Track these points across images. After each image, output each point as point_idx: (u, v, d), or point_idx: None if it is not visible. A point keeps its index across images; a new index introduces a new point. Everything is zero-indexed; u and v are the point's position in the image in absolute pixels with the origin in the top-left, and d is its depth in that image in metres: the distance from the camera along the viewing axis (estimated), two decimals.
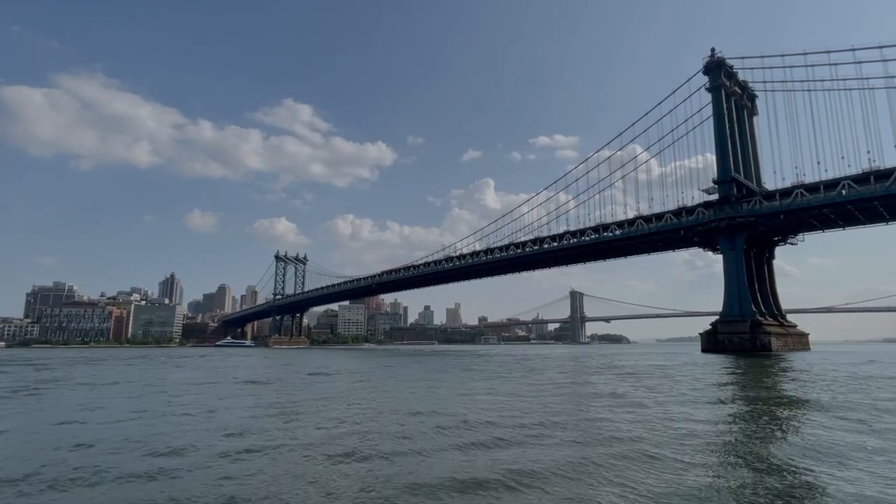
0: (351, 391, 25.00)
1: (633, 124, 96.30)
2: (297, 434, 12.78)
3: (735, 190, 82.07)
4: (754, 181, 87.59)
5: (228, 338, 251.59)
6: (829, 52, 76.49)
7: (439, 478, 8.52)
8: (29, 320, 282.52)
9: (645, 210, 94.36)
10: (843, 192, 71.05)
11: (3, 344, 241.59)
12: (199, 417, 16.04)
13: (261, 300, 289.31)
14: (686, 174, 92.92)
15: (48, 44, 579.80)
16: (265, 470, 9.29)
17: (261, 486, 8.18)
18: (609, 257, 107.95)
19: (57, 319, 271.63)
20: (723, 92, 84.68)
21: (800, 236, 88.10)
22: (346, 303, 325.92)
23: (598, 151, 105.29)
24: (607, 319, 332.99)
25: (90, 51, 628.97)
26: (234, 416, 16.31)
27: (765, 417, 15.35)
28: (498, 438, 11.82)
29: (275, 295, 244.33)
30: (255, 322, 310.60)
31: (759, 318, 77.45)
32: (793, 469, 9.08)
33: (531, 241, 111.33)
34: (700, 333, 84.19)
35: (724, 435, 12.45)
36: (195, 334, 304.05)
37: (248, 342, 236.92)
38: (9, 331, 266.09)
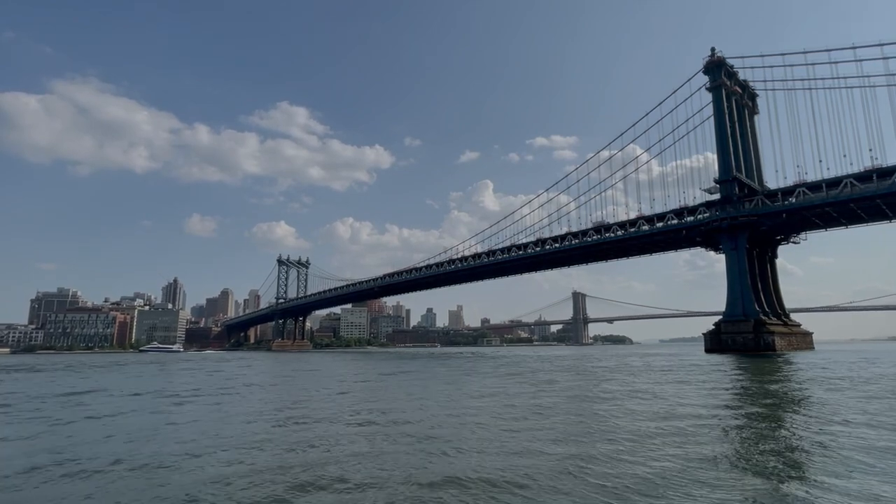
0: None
1: (633, 125, 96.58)
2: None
3: (737, 189, 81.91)
4: (756, 180, 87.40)
5: (154, 343, 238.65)
6: (829, 50, 76.54)
7: None
8: (33, 326, 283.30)
9: (646, 210, 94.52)
10: (846, 190, 70.88)
11: (7, 350, 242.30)
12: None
13: (264, 304, 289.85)
14: (687, 174, 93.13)
15: (41, 49, 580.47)
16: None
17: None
18: (611, 258, 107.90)
19: (61, 325, 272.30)
20: (723, 91, 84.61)
21: (802, 235, 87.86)
22: (349, 306, 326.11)
23: (598, 152, 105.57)
24: (610, 320, 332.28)
25: (84, 56, 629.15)
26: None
27: (770, 421, 15.27)
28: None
29: (277, 299, 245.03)
30: (259, 326, 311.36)
31: (763, 317, 77.15)
32: (798, 472, 9.04)
33: (532, 242, 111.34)
34: (703, 333, 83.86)
35: (730, 437, 12.39)
36: (198, 339, 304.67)
37: (174, 347, 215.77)
38: (13, 337, 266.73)
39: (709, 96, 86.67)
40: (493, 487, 8.30)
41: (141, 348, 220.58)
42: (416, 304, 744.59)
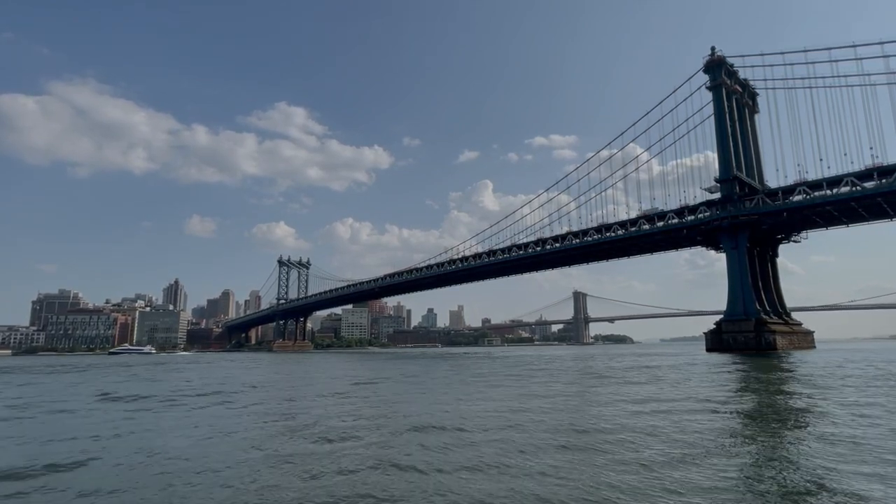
0: None
1: (633, 124, 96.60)
2: None
3: (737, 188, 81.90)
4: (756, 179, 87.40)
5: (126, 345, 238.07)
6: (829, 48, 76.56)
7: None
8: (35, 328, 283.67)
9: (647, 209, 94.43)
10: (846, 189, 70.91)
11: (9, 352, 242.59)
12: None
13: (264, 305, 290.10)
14: (688, 173, 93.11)
15: (39, 50, 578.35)
16: None
17: None
18: (612, 257, 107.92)
19: (62, 327, 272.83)
20: (724, 90, 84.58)
21: (803, 234, 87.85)
22: (350, 306, 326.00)
23: (598, 152, 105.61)
24: (611, 320, 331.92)
25: (81, 57, 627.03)
26: None
27: (775, 417, 15.28)
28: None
29: (278, 299, 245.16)
30: (260, 326, 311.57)
31: (764, 316, 77.15)
32: (800, 470, 9.07)
33: (533, 242, 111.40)
34: (704, 333, 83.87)
35: (734, 436, 12.42)
36: (199, 340, 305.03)
37: (145, 349, 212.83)
38: (15, 339, 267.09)
39: (709, 95, 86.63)
40: None
41: (110, 350, 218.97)
42: (416, 305, 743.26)
